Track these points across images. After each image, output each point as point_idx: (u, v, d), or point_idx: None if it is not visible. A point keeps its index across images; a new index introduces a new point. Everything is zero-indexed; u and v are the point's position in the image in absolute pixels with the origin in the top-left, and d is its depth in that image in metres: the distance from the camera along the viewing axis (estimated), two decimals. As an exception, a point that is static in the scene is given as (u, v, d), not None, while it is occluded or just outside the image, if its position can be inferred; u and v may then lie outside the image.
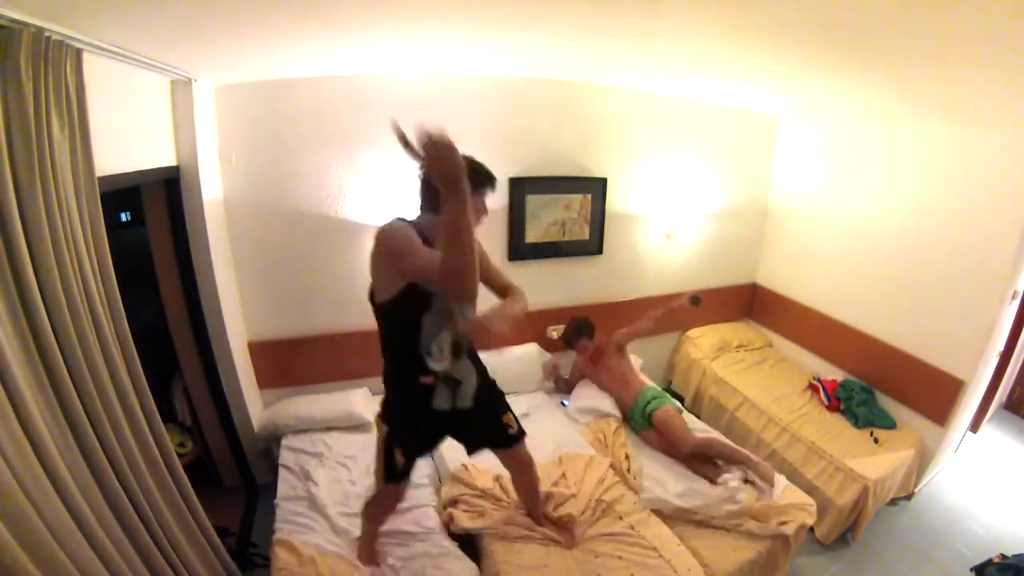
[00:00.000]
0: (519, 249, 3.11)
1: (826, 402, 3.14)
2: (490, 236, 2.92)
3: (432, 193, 1.38)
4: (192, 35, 1.65)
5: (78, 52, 1.34)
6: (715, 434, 2.75)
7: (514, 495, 2.19)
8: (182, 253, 2.26)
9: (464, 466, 2.33)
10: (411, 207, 1.53)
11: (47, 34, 1.21)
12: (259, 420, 2.70)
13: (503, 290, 1.76)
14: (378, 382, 1.76)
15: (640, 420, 2.72)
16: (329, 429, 2.65)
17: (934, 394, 2.85)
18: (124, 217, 2.79)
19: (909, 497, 2.93)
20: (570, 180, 3.13)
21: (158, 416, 1.67)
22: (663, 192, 3.47)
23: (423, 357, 1.52)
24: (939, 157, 2.77)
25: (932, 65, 1.76)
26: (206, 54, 1.90)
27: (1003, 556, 2.37)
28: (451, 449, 2.16)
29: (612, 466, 2.49)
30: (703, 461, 2.48)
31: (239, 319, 2.65)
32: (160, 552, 1.55)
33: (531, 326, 3.25)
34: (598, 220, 3.29)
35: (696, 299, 3.09)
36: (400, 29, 1.85)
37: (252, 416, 2.66)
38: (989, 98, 2.06)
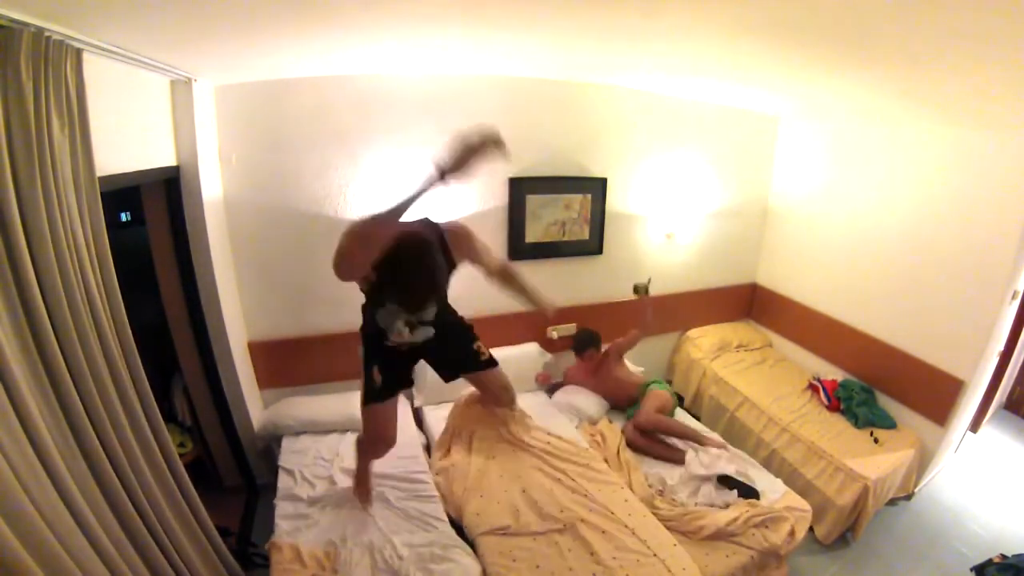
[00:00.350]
0: (519, 249, 3.12)
1: (826, 402, 3.14)
2: (490, 236, 2.92)
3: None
4: (192, 35, 1.65)
5: (78, 52, 1.34)
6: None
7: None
8: (182, 253, 2.26)
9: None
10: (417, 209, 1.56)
11: (47, 34, 1.21)
12: (259, 420, 2.70)
13: (500, 271, 1.94)
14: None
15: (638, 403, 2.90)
16: (329, 432, 2.65)
17: (934, 394, 2.85)
18: (124, 217, 2.80)
19: (909, 497, 2.93)
20: (570, 180, 3.13)
21: (159, 415, 1.67)
22: (663, 192, 3.47)
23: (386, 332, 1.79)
24: (939, 157, 2.77)
25: (932, 65, 1.76)
26: (206, 54, 1.90)
27: (1003, 556, 2.37)
28: (439, 420, 2.67)
29: (606, 460, 2.55)
30: (663, 445, 2.67)
31: (239, 319, 2.65)
32: (161, 552, 1.55)
33: (531, 326, 3.25)
34: (598, 220, 3.29)
35: (638, 288, 3.12)
36: (400, 30, 1.85)
37: (252, 416, 2.66)
38: (989, 98, 2.06)
